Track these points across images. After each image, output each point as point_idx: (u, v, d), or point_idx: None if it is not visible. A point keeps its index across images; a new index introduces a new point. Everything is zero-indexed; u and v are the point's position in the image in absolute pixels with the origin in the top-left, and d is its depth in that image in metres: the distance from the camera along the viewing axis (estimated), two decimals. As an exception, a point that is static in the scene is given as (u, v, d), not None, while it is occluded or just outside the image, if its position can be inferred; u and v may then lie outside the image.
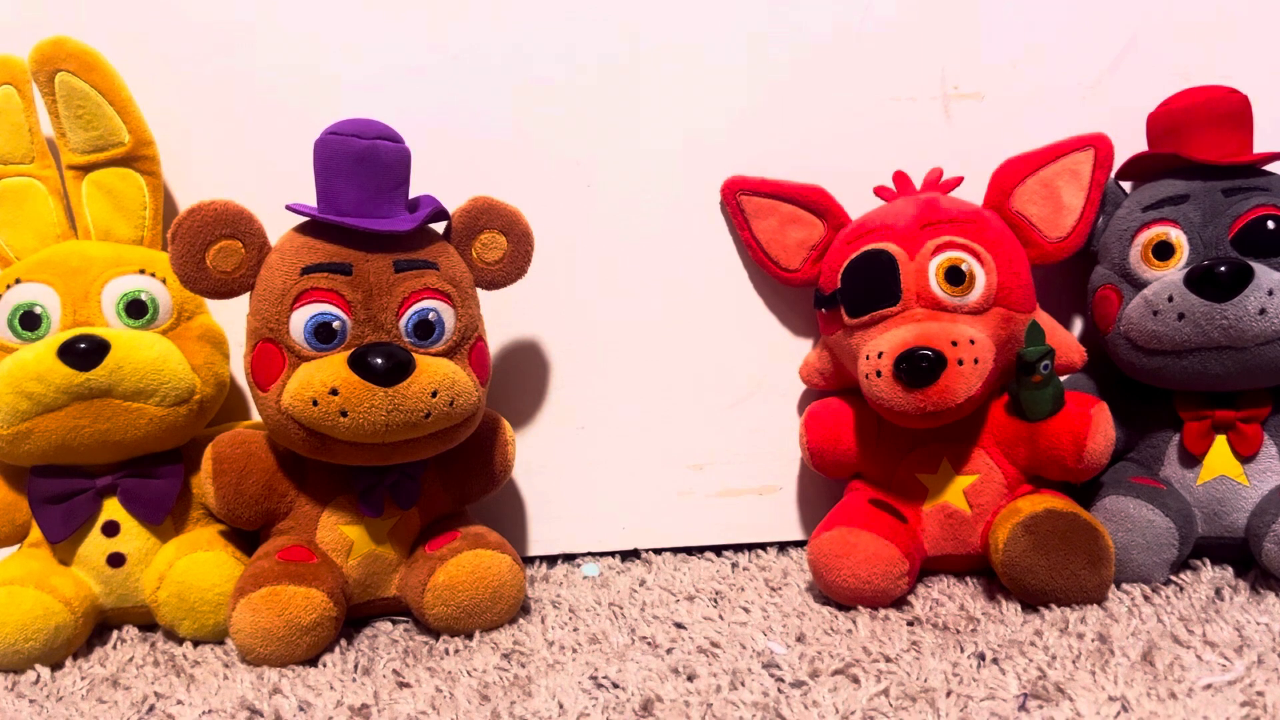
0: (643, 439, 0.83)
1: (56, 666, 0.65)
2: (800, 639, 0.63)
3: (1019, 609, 0.65)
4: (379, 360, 0.60)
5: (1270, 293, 0.65)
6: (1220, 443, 0.70)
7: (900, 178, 0.77)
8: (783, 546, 0.84)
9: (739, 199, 0.79)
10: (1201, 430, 0.70)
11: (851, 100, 0.80)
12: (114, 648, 0.68)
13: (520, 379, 0.82)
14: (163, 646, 0.67)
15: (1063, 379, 0.72)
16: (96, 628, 0.70)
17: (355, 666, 0.63)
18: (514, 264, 0.71)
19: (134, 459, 0.69)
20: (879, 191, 0.77)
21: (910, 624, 0.65)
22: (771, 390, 0.83)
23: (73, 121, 0.71)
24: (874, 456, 0.75)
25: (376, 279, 0.64)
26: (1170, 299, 0.67)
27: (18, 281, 0.68)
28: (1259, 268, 0.66)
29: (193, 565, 0.66)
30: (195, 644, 0.67)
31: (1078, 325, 0.82)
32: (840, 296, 0.72)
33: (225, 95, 0.78)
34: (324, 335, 0.63)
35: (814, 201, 0.78)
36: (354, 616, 0.70)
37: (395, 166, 0.66)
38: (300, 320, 0.63)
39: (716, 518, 0.84)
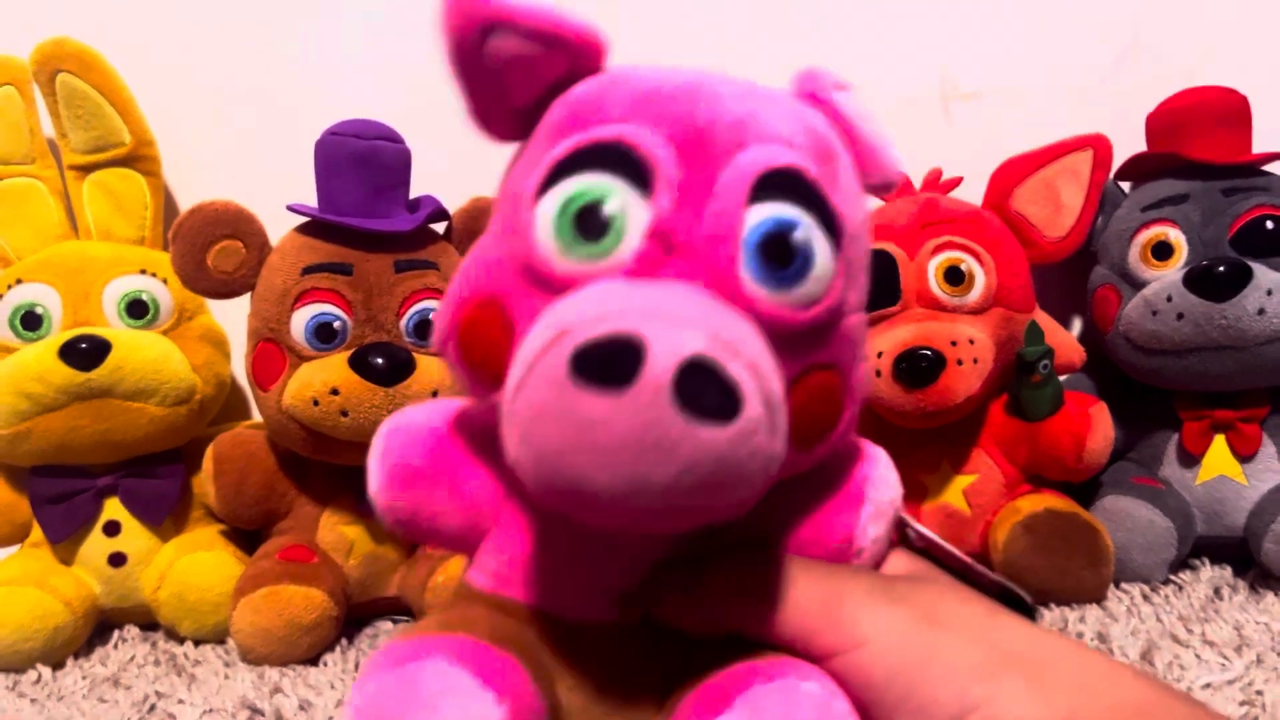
0: (643, 439, 0.83)
1: (57, 666, 0.65)
2: (800, 638, 0.63)
3: (1019, 608, 0.65)
4: (380, 360, 0.61)
5: (1269, 293, 0.65)
6: (1219, 442, 0.70)
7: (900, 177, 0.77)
8: (783, 546, 0.84)
9: (739, 199, 0.79)
10: (1201, 430, 0.70)
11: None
12: (115, 647, 0.68)
13: (520, 379, 0.82)
14: (164, 646, 0.67)
15: (1063, 379, 0.72)
16: (97, 627, 0.70)
17: (356, 666, 0.62)
18: (514, 264, 0.71)
19: (134, 459, 0.69)
20: (879, 191, 0.77)
21: (910, 623, 0.65)
22: (771, 390, 0.83)
23: (73, 122, 0.71)
24: (874, 456, 0.75)
25: (377, 279, 0.64)
26: (1169, 299, 0.67)
27: (18, 282, 0.68)
28: (1258, 268, 0.66)
29: (193, 565, 0.66)
30: (196, 643, 0.67)
31: (1077, 325, 0.82)
32: (840, 296, 0.72)
33: (226, 95, 0.78)
34: (325, 335, 0.63)
35: (814, 201, 0.78)
36: (355, 616, 0.70)
37: (395, 166, 0.66)
38: (301, 320, 0.63)
39: (716, 517, 0.84)
